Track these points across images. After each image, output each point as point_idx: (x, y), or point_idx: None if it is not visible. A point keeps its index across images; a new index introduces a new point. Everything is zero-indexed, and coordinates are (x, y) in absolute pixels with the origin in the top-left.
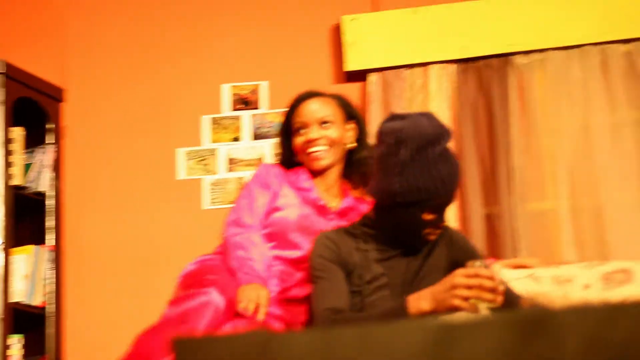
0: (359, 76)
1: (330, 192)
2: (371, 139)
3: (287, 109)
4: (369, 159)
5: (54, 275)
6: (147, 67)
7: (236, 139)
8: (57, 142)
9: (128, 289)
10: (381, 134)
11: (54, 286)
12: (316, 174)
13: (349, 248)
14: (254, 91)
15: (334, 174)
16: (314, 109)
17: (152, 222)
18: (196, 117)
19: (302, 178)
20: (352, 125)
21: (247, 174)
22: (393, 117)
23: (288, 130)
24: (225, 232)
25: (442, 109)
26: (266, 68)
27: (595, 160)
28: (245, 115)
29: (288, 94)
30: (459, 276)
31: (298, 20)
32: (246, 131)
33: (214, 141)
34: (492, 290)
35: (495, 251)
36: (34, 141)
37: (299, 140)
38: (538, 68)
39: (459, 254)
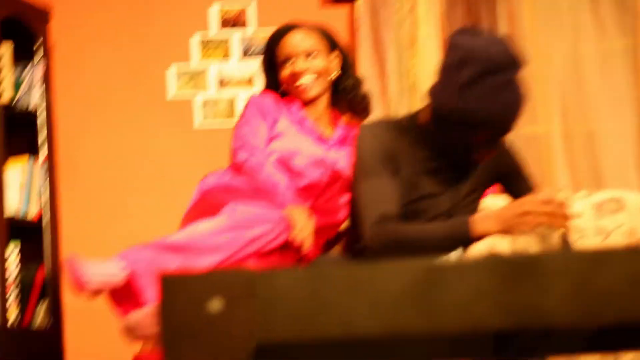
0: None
1: (321, 122)
2: (357, 67)
3: (268, 42)
4: (356, 86)
5: (48, 186)
6: None
7: (225, 57)
8: (46, 59)
9: (120, 202)
10: (450, 45)
11: (48, 197)
12: (306, 104)
13: (401, 144)
14: (242, 12)
15: (323, 103)
16: (298, 40)
17: (143, 139)
18: (185, 37)
19: (295, 108)
20: (336, 54)
21: (238, 92)
22: (466, 32)
23: (272, 63)
24: (237, 158)
25: (430, 34)
26: None
27: (585, 87)
28: (235, 34)
29: (276, 15)
30: (531, 202)
31: None
32: (236, 50)
33: (204, 59)
34: (565, 217)
35: None
36: (23, 60)
37: (285, 72)
38: None
39: (507, 167)
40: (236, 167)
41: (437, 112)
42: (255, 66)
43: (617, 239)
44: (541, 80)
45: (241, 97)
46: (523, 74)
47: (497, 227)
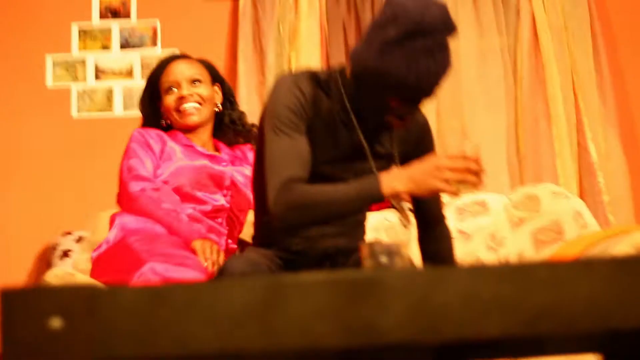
0: None
1: (207, 147)
2: (238, 63)
3: (151, 73)
4: (241, 118)
5: None
6: None
7: (105, 48)
8: None
9: None
10: (385, 3)
11: None
12: (188, 132)
13: (318, 100)
14: (124, 2)
15: (207, 132)
16: (183, 68)
17: (21, 128)
18: (66, 24)
19: (180, 136)
20: (218, 87)
21: (115, 83)
22: None
23: (153, 94)
24: (128, 189)
25: (312, 28)
26: None
27: (462, 85)
28: (114, 25)
29: (157, 6)
30: (444, 158)
31: None
32: (115, 41)
33: (83, 49)
34: (477, 173)
35: None
36: None
37: (170, 98)
38: None
39: (424, 147)
40: (128, 200)
41: (355, 69)
42: (134, 58)
43: (479, 242)
44: None
45: (118, 88)
46: (451, 42)
47: (408, 184)
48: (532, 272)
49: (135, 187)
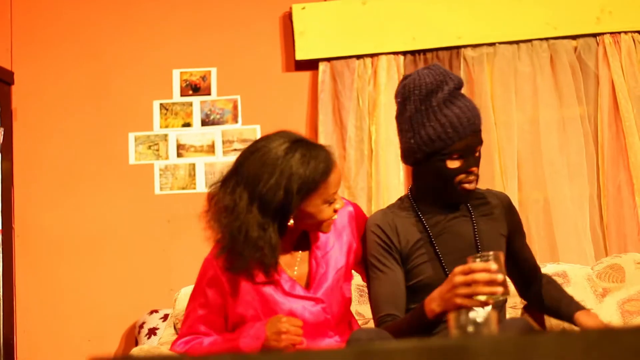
0: (309, 65)
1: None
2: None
3: (313, 178)
4: None
5: (2, 258)
6: (96, 50)
7: (186, 125)
8: (8, 125)
9: (81, 274)
10: (395, 98)
11: (2, 269)
12: (291, 238)
13: (406, 225)
14: (205, 77)
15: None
16: (338, 178)
17: (104, 206)
18: (147, 102)
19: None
20: None
21: (197, 159)
22: (403, 78)
23: (304, 193)
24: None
25: (391, 99)
26: (217, 54)
27: (543, 155)
28: (195, 101)
29: (238, 81)
30: (456, 274)
31: (249, 7)
32: (196, 117)
33: (164, 126)
34: (490, 283)
35: None
36: None
37: (328, 210)
38: (487, 61)
39: (513, 224)
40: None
41: (407, 162)
42: (215, 133)
43: None
44: (500, 148)
45: (200, 164)
46: (461, 90)
47: (439, 305)
48: (619, 338)
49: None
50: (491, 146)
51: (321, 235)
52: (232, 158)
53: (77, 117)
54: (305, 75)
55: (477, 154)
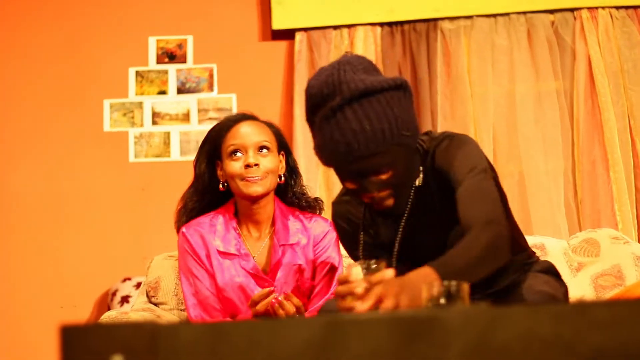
0: (285, 35)
1: (260, 228)
2: (293, 107)
3: (214, 131)
4: (304, 191)
5: None
6: (72, 15)
7: (161, 93)
8: None
9: (53, 241)
10: None
11: None
12: (249, 204)
13: (359, 214)
14: (181, 45)
15: (269, 205)
16: (252, 132)
17: (78, 173)
18: (123, 69)
19: (229, 237)
20: (282, 157)
21: (172, 127)
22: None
23: (214, 152)
24: (189, 315)
25: None
26: (193, 22)
27: (518, 128)
28: (171, 69)
29: (214, 50)
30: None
31: None
32: (172, 85)
33: (139, 94)
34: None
35: None
36: None
37: (234, 165)
38: (464, 34)
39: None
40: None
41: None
42: (190, 102)
43: None
44: (475, 121)
45: (175, 132)
46: (350, 105)
47: None
48: (590, 312)
49: (193, 313)
50: (466, 119)
51: (287, 226)
52: (207, 127)
53: (51, 83)
54: (282, 44)
55: (376, 179)
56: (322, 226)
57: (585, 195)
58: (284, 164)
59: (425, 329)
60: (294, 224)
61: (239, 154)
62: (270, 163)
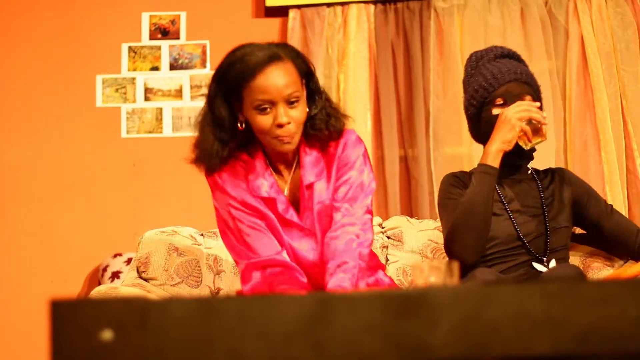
0: (278, 12)
1: (289, 166)
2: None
3: (235, 69)
4: (330, 115)
5: None
6: None
7: (154, 69)
8: None
9: (45, 215)
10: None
11: None
12: (277, 156)
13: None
14: (174, 21)
15: (293, 150)
16: (280, 82)
17: (70, 148)
18: (116, 44)
19: (262, 182)
20: (302, 85)
21: (164, 103)
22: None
23: (232, 94)
24: (246, 278)
25: (360, 49)
26: None
27: None
28: (164, 45)
29: (207, 26)
30: (507, 109)
31: None
32: (165, 61)
33: (132, 70)
34: (538, 112)
35: (411, 193)
36: None
37: (265, 119)
38: (458, 13)
39: (579, 191)
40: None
41: (468, 125)
42: (183, 78)
43: None
44: None
45: (167, 108)
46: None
47: (495, 145)
48: (580, 291)
49: (255, 278)
50: (459, 97)
51: (306, 159)
52: (200, 103)
53: (44, 58)
54: (275, 22)
55: (522, 100)
56: (345, 140)
57: (577, 174)
58: (306, 104)
59: (415, 306)
60: (317, 154)
61: (267, 109)
62: (301, 114)
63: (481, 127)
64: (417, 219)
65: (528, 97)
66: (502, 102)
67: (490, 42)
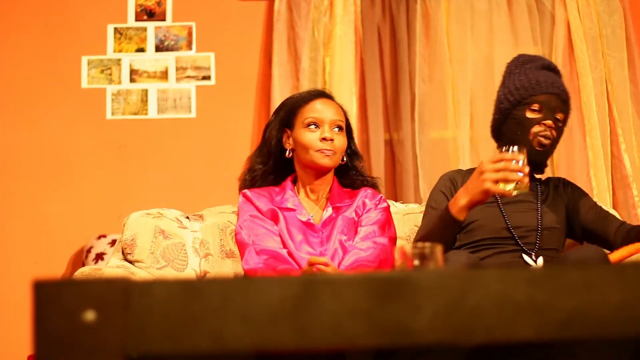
0: None
1: (318, 195)
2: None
3: (292, 100)
4: (364, 167)
5: None
6: None
7: (140, 50)
8: None
9: (29, 196)
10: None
11: None
12: (312, 175)
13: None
14: (160, 2)
15: (329, 179)
16: (331, 109)
17: (54, 129)
18: (102, 25)
19: (287, 196)
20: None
21: (150, 85)
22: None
23: (287, 122)
24: (249, 262)
25: (346, 32)
26: None
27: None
28: (150, 26)
29: (193, 8)
30: (485, 162)
31: None
32: (150, 42)
33: (118, 51)
34: (518, 171)
35: (396, 177)
36: None
37: (312, 135)
38: None
39: (573, 194)
40: (247, 269)
41: (494, 118)
42: (169, 59)
43: None
44: (453, 85)
45: (153, 90)
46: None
47: (466, 197)
48: (564, 276)
49: (254, 259)
50: (445, 82)
51: (341, 195)
52: (186, 85)
53: (29, 39)
54: (261, 4)
55: (557, 117)
56: (373, 193)
57: (561, 160)
58: (346, 138)
59: (398, 290)
60: (346, 192)
61: (315, 127)
62: (342, 142)
63: (507, 124)
64: (403, 202)
65: (561, 115)
66: (538, 108)
67: (477, 27)
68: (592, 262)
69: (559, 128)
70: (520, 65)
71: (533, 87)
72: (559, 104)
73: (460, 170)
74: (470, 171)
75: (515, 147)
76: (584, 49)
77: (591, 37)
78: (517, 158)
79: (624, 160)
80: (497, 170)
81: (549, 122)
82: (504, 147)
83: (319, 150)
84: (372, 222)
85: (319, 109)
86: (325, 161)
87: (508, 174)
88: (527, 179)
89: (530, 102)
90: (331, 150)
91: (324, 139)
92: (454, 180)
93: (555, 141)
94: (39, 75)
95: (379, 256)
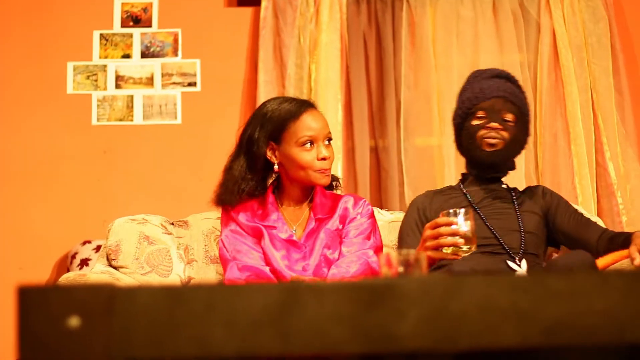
0: (251, 1)
1: (300, 205)
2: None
3: (278, 115)
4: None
5: None
6: None
7: (125, 56)
8: None
9: (14, 201)
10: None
11: None
12: (300, 190)
13: (437, 204)
14: (146, 9)
15: (312, 189)
16: (320, 123)
17: (40, 135)
18: (87, 31)
19: (269, 211)
20: None
21: (135, 91)
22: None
23: (274, 136)
24: (230, 275)
25: (332, 39)
26: None
27: None
28: (136, 32)
29: (179, 14)
30: (426, 228)
31: None
32: (136, 49)
33: (103, 57)
34: (452, 235)
35: (381, 184)
36: None
37: (307, 155)
38: (430, 5)
39: (551, 200)
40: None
41: (455, 135)
42: (155, 66)
43: None
44: (438, 92)
45: (138, 96)
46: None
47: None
48: (548, 283)
49: (235, 274)
50: (430, 89)
51: (324, 204)
52: (171, 91)
53: (15, 44)
54: (247, 11)
55: (505, 117)
56: (355, 200)
57: (546, 167)
58: None
59: (382, 297)
60: (328, 200)
61: (310, 145)
62: (333, 153)
63: (462, 137)
64: (388, 210)
65: (510, 115)
66: (483, 115)
67: (462, 35)
68: (579, 268)
69: (510, 128)
70: (471, 80)
71: (477, 96)
72: (505, 105)
73: (428, 193)
74: (439, 192)
75: (462, 210)
76: (569, 57)
77: (576, 45)
78: (451, 222)
79: (609, 169)
80: (433, 237)
81: (494, 124)
82: (447, 211)
83: (318, 171)
84: (357, 234)
85: (312, 126)
86: (325, 180)
87: (443, 240)
88: (463, 240)
89: (474, 110)
90: (329, 168)
91: (323, 158)
92: (422, 209)
93: (511, 141)
94: (24, 80)
95: (365, 273)
